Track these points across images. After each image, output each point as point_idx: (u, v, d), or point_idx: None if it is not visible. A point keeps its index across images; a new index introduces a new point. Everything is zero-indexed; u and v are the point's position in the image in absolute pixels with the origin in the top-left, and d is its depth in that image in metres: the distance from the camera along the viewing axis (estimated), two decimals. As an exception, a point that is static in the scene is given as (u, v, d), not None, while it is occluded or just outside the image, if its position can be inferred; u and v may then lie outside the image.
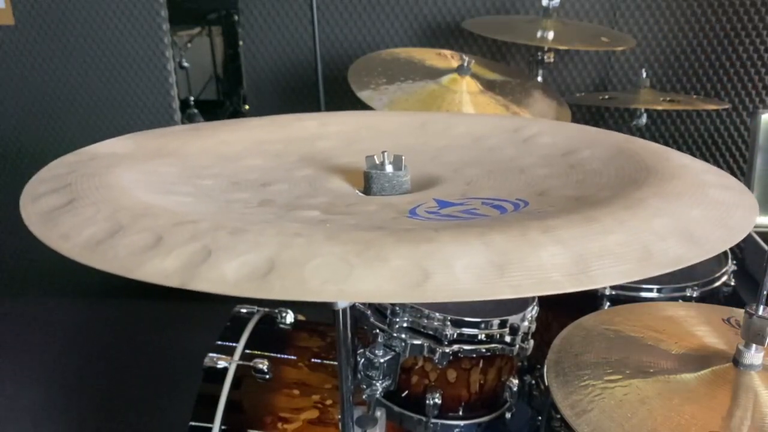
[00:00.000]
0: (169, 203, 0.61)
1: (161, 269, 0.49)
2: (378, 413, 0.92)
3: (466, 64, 1.69)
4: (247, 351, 1.38)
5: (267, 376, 1.34)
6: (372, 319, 1.15)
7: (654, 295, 1.32)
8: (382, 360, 1.08)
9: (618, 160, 0.75)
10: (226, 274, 0.47)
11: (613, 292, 1.31)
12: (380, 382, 1.08)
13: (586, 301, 1.31)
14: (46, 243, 0.55)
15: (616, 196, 0.61)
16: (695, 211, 0.59)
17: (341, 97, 2.35)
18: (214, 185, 0.72)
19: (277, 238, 0.50)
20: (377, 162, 0.71)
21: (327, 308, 0.76)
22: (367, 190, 0.72)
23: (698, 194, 0.63)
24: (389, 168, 0.71)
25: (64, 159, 0.73)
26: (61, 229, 0.56)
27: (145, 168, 0.71)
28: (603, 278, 0.48)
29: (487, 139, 0.89)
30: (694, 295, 1.31)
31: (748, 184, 1.86)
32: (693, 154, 2.32)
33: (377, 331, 1.13)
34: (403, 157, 0.72)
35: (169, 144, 0.81)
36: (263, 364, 1.34)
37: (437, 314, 1.10)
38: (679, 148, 2.27)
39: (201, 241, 0.50)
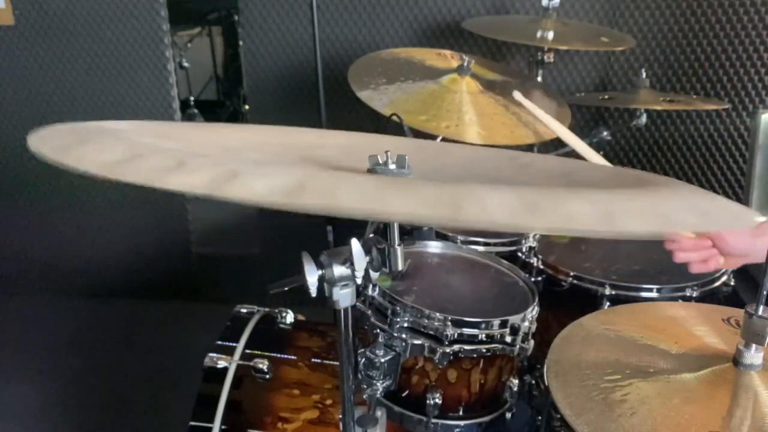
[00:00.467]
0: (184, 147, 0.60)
1: (187, 181, 0.48)
2: (378, 413, 0.92)
3: (466, 64, 1.69)
4: (248, 351, 1.38)
5: (267, 376, 1.34)
6: (373, 319, 1.15)
7: (654, 295, 1.32)
8: (382, 360, 1.08)
9: (612, 183, 0.78)
10: (255, 187, 0.46)
11: (613, 292, 1.31)
12: (381, 381, 1.08)
13: (586, 301, 1.31)
14: (60, 165, 0.53)
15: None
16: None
17: (341, 97, 2.35)
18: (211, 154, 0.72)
19: (305, 170, 0.50)
20: (380, 161, 0.71)
21: (327, 308, 0.76)
22: None
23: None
24: (393, 166, 0.71)
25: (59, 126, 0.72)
26: (77, 154, 0.54)
27: (153, 140, 0.71)
28: (627, 225, 0.51)
29: (484, 162, 0.90)
30: (694, 295, 1.31)
31: (748, 184, 1.86)
32: (693, 154, 2.33)
33: (378, 330, 1.13)
34: (406, 156, 0.72)
35: (169, 131, 0.81)
36: (263, 364, 1.34)
37: (438, 314, 1.11)
38: (679, 148, 2.27)
39: (226, 166, 0.49)
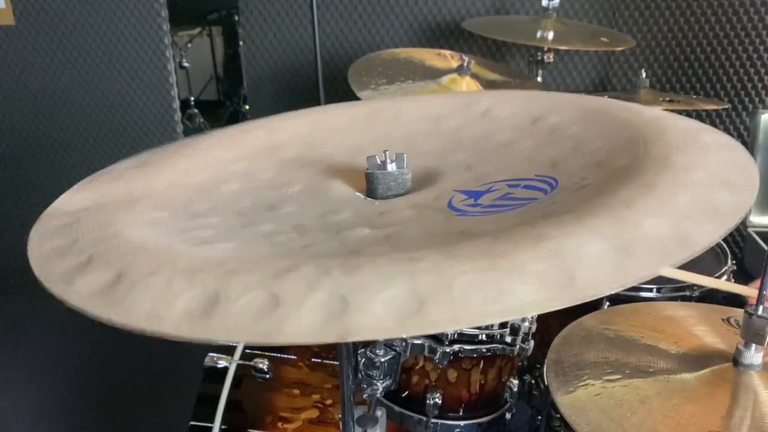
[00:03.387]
0: (218, 253, 0.56)
1: (296, 329, 0.44)
2: (378, 413, 0.92)
3: (466, 64, 1.69)
4: (248, 350, 1.38)
5: (267, 376, 1.34)
6: (372, 319, 1.15)
7: (654, 294, 1.32)
8: (382, 359, 1.08)
9: (589, 120, 0.77)
10: (377, 313, 0.44)
11: (613, 292, 1.31)
12: (381, 381, 1.08)
13: (586, 301, 1.31)
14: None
15: (638, 160, 0.64)
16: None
17: (341, 97, 2.34)
18: (225, 222, 0.68)
19: (402, 266, 0.47)
20: (378, 162, 0.71)
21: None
22: (371, 192, 0.71)
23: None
24: (392, 167, 0.70)
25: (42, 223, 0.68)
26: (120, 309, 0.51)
27: (140, 218, 0.66)
28: (701, 240, 0.51)
29: (446, 121, 0.88)
30: (694, 295, 1.31)
31: (748, 184, 1.86)
32: (693, 154, 2.32)
33: (377, 330, 1.13)
34: (405, 155, 0.72)
35: (130, 187, 0.74)
36: (263, 364, 1.34)
37: (437, 314, 1.11)
38: (679, 148, 2.27)
39: (325, 290, 0.46)
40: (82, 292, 0.53)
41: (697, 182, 0.58)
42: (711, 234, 0.51)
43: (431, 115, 0.90)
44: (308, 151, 0.85)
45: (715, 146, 0.67)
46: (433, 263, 0.47)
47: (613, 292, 0.46)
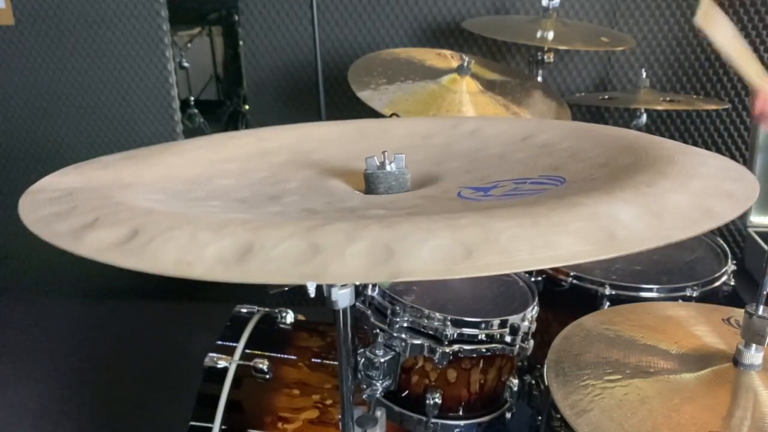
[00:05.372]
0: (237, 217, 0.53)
1: (342, 270, 0.43)
2: (378, 413, 0.92)
3: (466, 64, 1.69)
4: (248, 351, 1.38)
5: (267, 376, 1.34)
6: (372, 319, 1.15)
7: (654, 295, 1.31)
8: (382, 360, 1.08)
9: (580, 135, 0.78)
10: (425, 257, 0.43)
11: (613, 292, 1.31)
12: (380, 381, 1.08)
13: (586, 301, 1.31)
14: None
15: (642, 159, 0.65)
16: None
17: (341, 97, 2.35)
18: (228, 205, 0.66)
19: (443, 223, 0.46)
20: (377, 162, 0.71)
21: (327, 308, 0.76)
22: (371, 192, 0.72)
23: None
24: (392, 167, 0.70)
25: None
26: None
27: (139, 197, 0.63)
28: (723, 216, 0.52)
29: (434, 138, 0.88)
30: (694, 295, 1.31)
31: (748, 184, 1.86)
32: (693, 154, 2.32)
33: (377, 330, 1.13)
34: (404, 156, 0.72)
35: (120, 175, 0.71)
36: (263, 364, 1.34)
37: (437, 314, 1.10)
38: (679, 148, 2.27)
39: (366, 240, 0.45)
40: (95, 245, 0.48)
41: (707, 174, 0.60)
42: (731, 210, 0.53)
43: (418, 133, 0.90)
44: (300, 157, 0.85)
45: (707, 154, 0.68)
46: (474, 221, 0.46)
47: (652, 246, 0.47)
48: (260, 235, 0.46)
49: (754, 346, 0.86)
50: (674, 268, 1.39)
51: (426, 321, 1.11)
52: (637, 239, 0.46)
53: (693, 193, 0.55)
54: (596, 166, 0.68)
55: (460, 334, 1.11)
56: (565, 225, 0.47)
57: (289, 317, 1.49)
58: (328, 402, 1.31)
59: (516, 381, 1.22)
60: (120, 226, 0.50)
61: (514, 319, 1.14)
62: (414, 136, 0.89)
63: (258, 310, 1.51)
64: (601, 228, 0.47)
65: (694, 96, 2.16)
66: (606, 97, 2.04)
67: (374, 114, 1.57)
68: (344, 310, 0.78)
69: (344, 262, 0.43)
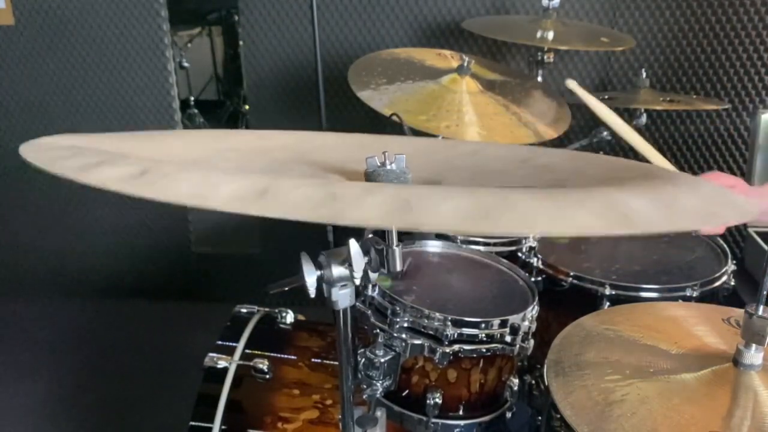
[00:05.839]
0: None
1: (359, 215, 0.43)
2: (378, 413, 0.92)
3: (466, 64, 1.69)
4: (248, 351, 1.38)
5: (267, 376, 1.34)
6: (372, 319, 1.15)
7: (654, 295, 1.31)
8: (382, 360, 1.08)
9: (580, 160, 0.79)
10: (444, 214, 0.43)
11: (613, 292, 1.31)
12: (381, 381, 1.08)
13: (586, 301, 1.31)
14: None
15: (648, 174, 0.67)
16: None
17: (341, 97, 2.35)
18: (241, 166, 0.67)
19: (461, 191, 0.48)
20: (378, 162, 0.71)
21: (327, 308, 0.76)
22: None
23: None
24: (393, 166, 0.70)
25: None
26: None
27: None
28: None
29: (434, 155, 0.88)
30: (694, 295, 1.31)
31: (748, 183, 1.86)
32: (693, 154, 2.33)
33: (378, 330, 1.13)
34: (404, 156, 0.72)
35: (120, 147, 0.68)
36: (263, 364, 1.34)
37: (437, 314, 1.10)
38: (679, 148, 2.27)
39: (384, 195, 0.45)
40: (103, 178, 0.47)
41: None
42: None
43: (418, 150, 0.90)
44: (300, 155, 0.85)
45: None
46: (492, 191, 0.47)
47: (664, 231, 0.48)
48: (278, 182, 0.45)
49: (754, 346, 0.86)
50: (674, 268, 1.39)
51: (426, 321, 1.11)
52: (649, 222, 0.48)
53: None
54: (603, 179, 0.68)
55: (461, 334, 1.11)
56: (581, 202, 0.48)
57: (289, 317, 1.49)
58: (328, 402, 1.31)
59: (516, 381, 1.22)
60: (129, 166, 0.48)
61: (514, 318, 1.14)
62: (413, 151, 0.89)
63: (258, 310, 1.51)
64: (616, 210, 0.48)
65: (694, 96, 2.16)
66: (606, 97, 2.04)
67: (374, 114, 1.57)
68: (344, 310, 0.78)
69: (362, 208, 0.43)
